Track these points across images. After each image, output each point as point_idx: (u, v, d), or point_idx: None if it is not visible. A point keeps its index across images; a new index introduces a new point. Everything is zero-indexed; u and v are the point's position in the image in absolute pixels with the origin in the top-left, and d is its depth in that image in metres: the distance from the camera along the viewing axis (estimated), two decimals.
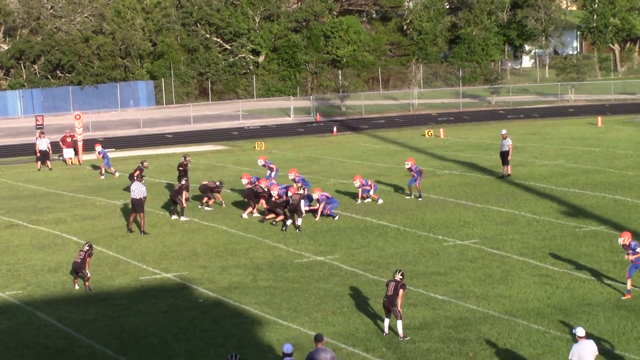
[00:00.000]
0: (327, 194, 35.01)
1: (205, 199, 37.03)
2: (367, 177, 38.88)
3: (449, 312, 23.30)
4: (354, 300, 24.47)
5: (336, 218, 34.10)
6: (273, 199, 34.07)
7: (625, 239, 24.52)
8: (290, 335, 21.87)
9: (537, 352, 20.40)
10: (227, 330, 22.65)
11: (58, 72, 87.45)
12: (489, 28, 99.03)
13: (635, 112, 69.33)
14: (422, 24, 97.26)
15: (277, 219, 33.64)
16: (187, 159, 40.80)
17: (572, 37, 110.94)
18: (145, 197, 33.63)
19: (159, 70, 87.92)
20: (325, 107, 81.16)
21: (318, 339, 18.06)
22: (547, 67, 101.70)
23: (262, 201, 35.14)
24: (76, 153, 53.26)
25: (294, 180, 36.07)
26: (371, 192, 37.41)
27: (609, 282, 25.39)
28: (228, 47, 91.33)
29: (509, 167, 42.13)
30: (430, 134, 59.80)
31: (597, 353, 17.97)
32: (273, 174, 39.15)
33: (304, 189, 34.13)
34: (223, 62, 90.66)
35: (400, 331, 21.47)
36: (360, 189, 37.23)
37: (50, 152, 51.72)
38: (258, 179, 36.64)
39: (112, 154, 53.42)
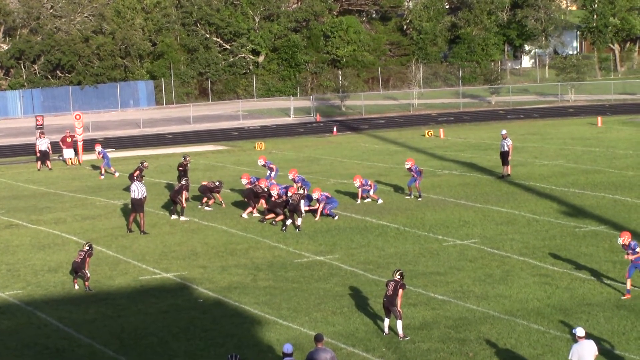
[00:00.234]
0: (327, 194, 35.01)
1: (205, 199, 37.03)
2: (367, 177, 38.88)
3: (448, 312, 23.30)
4: (354, 300, 24.48)
5: (336, 218, 34.10)
6: (273, 198, 34.08)
7: (625, 238, 24.52)
8: (290, 335, 21.87)
9: (537, 352, 20.40)
10: (227, 330, 22.65)
11: (58, 72, 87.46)
12: (488, 28, 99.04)
13: (635, 112, 69.33)
14: (422, 24, 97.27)
15: (277, 219, 33.64)
16: (187, 159, 40.81)
17: (572, 37, 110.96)
18: (145, 197, 33.63)
19: (159, 70, 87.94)
20: (325, 107, 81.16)
21: (318, 338, 18.06)
22: (547, 67, 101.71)
23: (262, 201, 35.14)
24: (76, 153, 53.25)
25: (293, 180, 36.07)
26: (371, 192, 37.41)
27: (608, 282, 25.39)
28: (228, 47, 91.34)
29: (509, 167, 42.12)
30: (430, 134, 59.80)
31: (597, 353, 17.97)
32: (273, 174, 39.16)
33: (303, 189, 34.14)
34: (223, 62, 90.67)
35: (400, 331, 21.47)
36: (360, 189, 37.23)
37: (50, 152, 51.72)
38: (258, 179, 36.64)
39: (112, 154, 53.42)
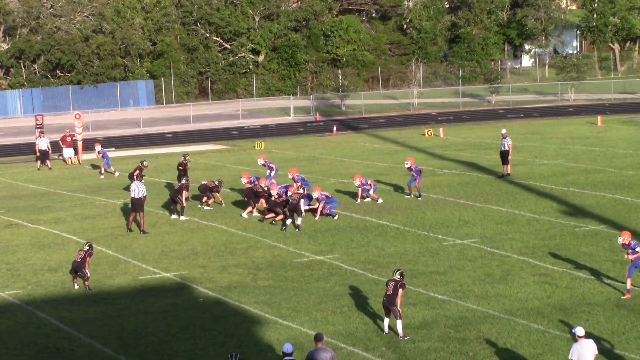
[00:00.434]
0: (327, 194, 35.01)
1: (205, 198, 37.03)
2: (366, 177, 38.87)
3: (448, 311, 23.30)
4: (354, 300, 24.48)
5: (336, 217, 34.10)
6: (273, 198, 34.07)
7: (624, 238, 24.52)
8: (290, 335, 21.87)
9: (537, 352, 20.40)
10: (227, 329, 22.65)
11: (58, 71, 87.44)
12: (488, 27, 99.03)
13: (635, 112, 69.32)
14: (421, 23, 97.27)
15: (277, 219, 33.64)
16: (187, 158, 40.81)
17: (572, 36, 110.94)
18: (145, 197, 33.63)
19: (159, 69, 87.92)
20: (325, 106, 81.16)
21: (318, 338, 18.06)
22: (546, 67, 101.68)
23: (262, 200, 35.13)
24: (76, 152, 53.25)
25: (293, 179, 36.06)
26: (371, 192, 37.41)
27: (608, 281, 25.39)
28: (228, 46, 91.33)
29: (509, 166, 42.12)
30: (430, 134, 59.80)
31: (596, 352, 17.97)
32: (273, 173, 39.16)
33: (303, 189, 34.13)
34: (223, 62, 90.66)
35: (400, 330, 21.47)
36: (360, 189, 37.23)
37: (50, 151, 51.72)
38: (258, 179, 36.64)
39: (112, 153, 53.42)
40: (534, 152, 49.25)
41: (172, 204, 36.10)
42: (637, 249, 24.15)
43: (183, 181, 35.72)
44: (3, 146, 62.82)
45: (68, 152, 52.88)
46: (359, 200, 37.24)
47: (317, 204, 34.44)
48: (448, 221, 33.18)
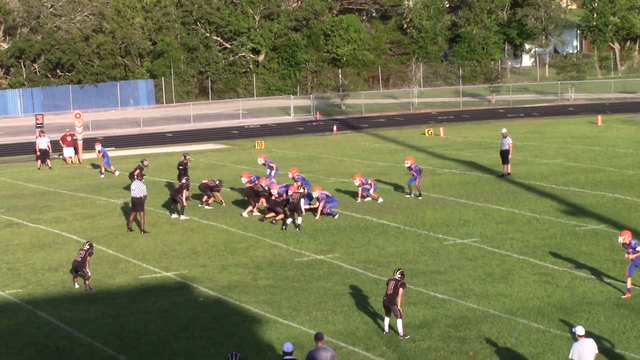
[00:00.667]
0: (327, 193, 35.00)
1: (205, 197, 37.03)
2: (367, 176, 38.85)
3: (449, 310, 23.30)
4: (354, 299, 24.47)
5: (336, 217, 34.09)
6: (273, 197, 34.06)
7: (625, 237, 24.51)
8: (291, 334, 21.86)
9: (537, 351, 20.40)
10: (227, 329, 22.64)
11: (58, 70, 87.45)
12: (489, 27, 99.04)
13: (635, 111, 69.32)
14: (422, 23, 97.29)
15: (277, 218, 33.63)
16: (187, 157, 40.81)
17: (572, 35, 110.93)
18: (145, 196, 33.63)
19: (159, 69, 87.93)
20: (326, 105, 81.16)
21: (318, 337, 18.06)
22: (547, 66, 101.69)
23: (263, 200, 35.13)
24: (76, 152, 53.25)
25: (293, 179, 36.06)
26: (371, 191, 37.40)
27: (609, 280, 25.38)
28: (228, 45, 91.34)
29: (509, 165, 42.12)
30: (430, 133, 59.79)
31: (597, 352, 17.97)
32: (273, 172, 39.16)
33: (303, 188, 34.12)
34: (223, 61, 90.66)
35: (400, 330, 21.47)
36: (360, 188, 37.22)
37: (50, 150, 51.73)
38: (258, 178, 36.64)
39: (112, 152, 53.42)
40: (534, 152, 49.25)
41: (172, 204, 36.10)
42: (637, 248, 24.14)
43: (183, 180, 35.72)
44: (3, 145, 62.83)
45: (68, 152, 52.89)
46: (359, 200, 37.24)
47: (318, 203, 34.43)
48: (448, 220, 33.17)
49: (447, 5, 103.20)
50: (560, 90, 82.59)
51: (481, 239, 30.32)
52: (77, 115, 54.90)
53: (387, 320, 21.78)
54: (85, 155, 53.31)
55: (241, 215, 35.23)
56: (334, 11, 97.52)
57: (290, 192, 33.60)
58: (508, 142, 42.03)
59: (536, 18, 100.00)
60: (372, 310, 23.53)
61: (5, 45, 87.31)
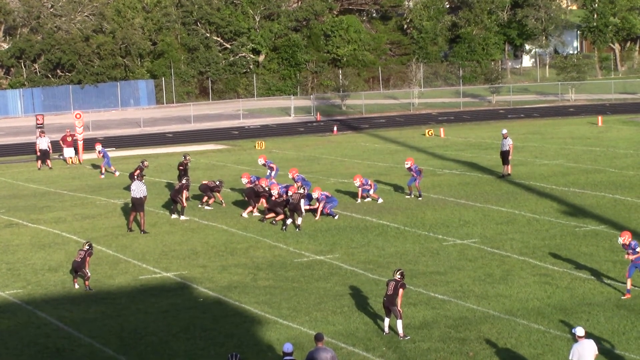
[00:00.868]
0: (327, 193, 35.00)
1: (205, 198, 37.03)
2: (367, 177, 38.87)
3: (449, 311, 23.30)
4: (354, 300, 24.47)
5: (336, 217, 34.09)
6: (273, 198, 34.06)
7: (625, 238, 24.51)
8: (291, 335, 21.86)
9: (537, 352, 20.40)
10: (227, 329, 22.64)
11: (58, 71, 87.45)
12: (489, 27, 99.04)
13: (635, 112, 69.32)
14: (422, 23, 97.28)
15: (277, 218, 33.63)
16: (187, 158, 40.81)
17: (573, 36, 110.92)
18: (145, 196, 33.63)
19: (159, 69, 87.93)
20: (326, 106, 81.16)
21: (318, 338, 18.06)
22: (547, 67, 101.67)
23: (263, 200, 35.13)
24: (76, 152, 53.26)
25: (293, 179, 36.06)
26: (371, 192, 37.40)
27: (609, 281, 25.38)
28: (228, 46, 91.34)
29: (509, 166, 42.12)
30: (430, 134, 59.79)
31: (597, 353, 17.97)
32: (273, 173, 39.16)
33: (304, 188, 34.13)
34: (223, 62, 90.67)
35: (400, 330, 21.47)
36: (360, 189, 37.22)
37: (51, 151, 51.72)
38: (258, 178, 36.64)
39: (113, 153, 53.43)
40: (535, 152, 49.25)
41: (172, 204, 36.10)
42: (637, 249, 24.14)
43: (183, 181, 35.72)
44: (3, 146, 62.83)
45: (68, 152, 52.89)
46: (359, 200, 37.24)
47: (317, 203, 34.43)
48: (448, 221, 33.17)
49: (447, 6, 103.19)
50: (561, 91, 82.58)
51: (481, 240, 30.32)
52: (78, 116, 54.91)
53: (387, 321, 21.78)
54: (85, 156, 53.31)
55: (241, 215, 35.23)
56: (334, 12, 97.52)
57: (290, 193, 33.60)
58: (508, 143, 42.03)
59: (536, 19, 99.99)
60: (372, 311, 23.52)
61: (5, 46, 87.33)
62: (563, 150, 49.64)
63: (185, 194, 35.28)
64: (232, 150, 56.58)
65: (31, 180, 46.83)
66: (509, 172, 41.96)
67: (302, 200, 33.10)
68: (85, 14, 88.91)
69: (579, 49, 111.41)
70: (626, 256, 24.45)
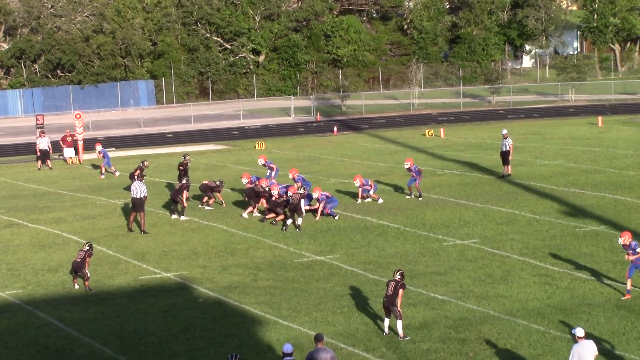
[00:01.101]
0: (327, 194, 35.00)
1: (206, 198, 37.04)
2: (367, 177, 38.87)
3: (449, 312, 23.29)
4: (354, 300, 24.47)
5: (336, 217, 34.09)
6: (273, 198, 34.06)
7: (625, 239, 24.50)
8: (290, 335, 21.86)
9: (537, 352, 20.40)
10: (227, 329, 22.64)
11: (58, 71, 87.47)
12: (489, 28, 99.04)
13: (635, 112, 69.31)
14: (422, 24, 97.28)
15: (277, 219, 33.63)
16: (187, 158, 40.81)
17: (573, 37, 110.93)
18: (145, 197, 33.63)
19: (160, 69, 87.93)
20: (326, 106, 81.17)
21: (318, 338, 18.06)
22: (547, 67, 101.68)
23: (263, 201, 35.13)
24: (76, 152, 53.25)
25: (294, 179, 36.06)
26: (371, 192, 37.40)
27: (609, 282, 25.38)
28: (228, 46, 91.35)
29: (510, 167, 42.12)
30: (430, 134, 59.79)
31: (597, 353, 17.96)
32: (273, 173, 39.15)
33: (304, 189, 34.13)
34: (223, 62, 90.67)
35: (400, 331, 21.46)
36: (360, 189, 37.22)
37: (51, 151, 51.72)
38: (258, 179, 36.64)
39: (113, 153, 53.43)
40: (535, 153, 49.25)
41: (172, 204, 36.10)
42: (637, 250, 24.13)
43: (184, 181, 35.72)
44: (4, 146, 62.83)
45: (69, 152, 52.88)
46: (359, 201, 37.24)
47: (318, 204, 34.43)
48: (448, 221, 33.17)
49: (448, 6, 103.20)
50: (561, 92, 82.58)
51: (481, 240, 30.32)
52: (78, 116, 54.91)
53: (387, 321, 21.78)
54: (85, 156, 53.31)
55: (241, 216, 35.23)
56: (334, 12, 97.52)
57: (290, 193, 33.59)
58: (508, 143, 42.03)
59: (536, 19, 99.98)
60: (372, 311, 23.52)
61: (5, 46, 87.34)
62: (563, 151, 49.64)
63: (185, 194, 35.28)
64: (232, 150, 56.58)
65: (31, 181, 46.83)
66: (509, 172, 41.96)
67: (302, 201, 33.10)
68: (86, 14, 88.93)
69: (579, 50, 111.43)
70: (626, 257, 24.45)
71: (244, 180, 36.72)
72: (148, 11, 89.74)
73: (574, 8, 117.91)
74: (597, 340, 19.80)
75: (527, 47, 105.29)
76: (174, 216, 35.46)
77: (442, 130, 60.41)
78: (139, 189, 33.46)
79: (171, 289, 26.37)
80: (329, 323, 22.72)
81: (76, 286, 26.60)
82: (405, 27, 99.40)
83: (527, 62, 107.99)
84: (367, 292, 25.06)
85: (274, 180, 37.27)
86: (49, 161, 51.27)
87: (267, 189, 35.03)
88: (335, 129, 64.61)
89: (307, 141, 59.81)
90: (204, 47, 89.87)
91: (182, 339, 22.07)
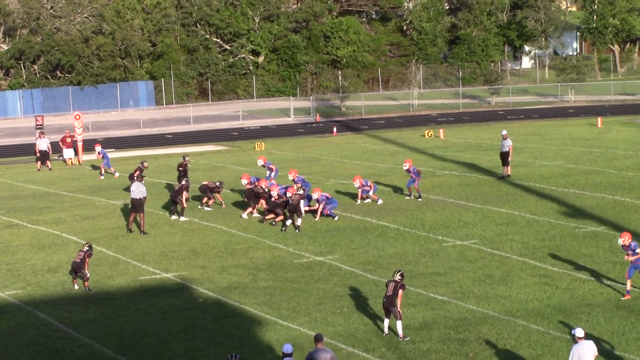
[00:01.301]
0: (327, 194, 35.00)
1: (205, 199, 37.04)
2: (366, 178, 38.87)
3: (448, 312, 23.30)
4: (354, 301, 24.47)
5: (336, 218, 34.10)
6: (273, 199, 34.07)
7: (625, 239, 24.50)
8: (290, 336, 21.86)
9: (537, 353, 20.40)
10: (227, 330, 22.64)
11: (58, 72, 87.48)
12: (488, 29, 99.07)
13: (635, 113, 69.33)
14: (421, 25, 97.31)
15: (277, 219, 33.64)
16: (187, 159, 40.82)
17: (572, 37, 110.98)
18: (145, 197, 33.63)
19: (159, 70, 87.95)
20: (325, 107, 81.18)
21: (318, 339, 18.06)
22: (546, 68, 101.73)
23: (262, 201, 35.13)
24: (76, 153, 53.25)
25: (293, 180, 36.07)
26: (371, 193, 37.40)
27: (608, 282, 25.39)
28: (228, 47, 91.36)
29: (509, 167, 42.13)
30: (430, 135, 59.80)
31: (596, 354, 17.96)
32: (273, 174, 39.15)
33: (303, 189, 34.14)
34: (223, 63, 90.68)
35: (400, 331, 21.46)
36: (360, 190, 37.22)
37: (50, 152, 51.72)
38: (258, 180, 36.64)
39: (112, 154, 53.42)
40: (534, 154, 49.26)
41: (172, 205, 36.10)
42: (637, 250, 24.14)
43: (183, 182, 35.71)
44: (3, 147, 62.83)
45: (68, 153, 52.88)
46: (358, 201, 37.24)
47: (317, 205, 34.43)
48: (448, 222, 33.17)
49: (447, 7, 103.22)
50: (560, 92, 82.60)
51: (481, 241, 30.32)
52: (77, 117, 54.90)
53: (386, 321, 21.78)
54: (85, 157, 53.31)
55: (241, 216, 35.23)
56: (334, 13, 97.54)
57: (289, 194, 33.60)
58: (508, 144, 42.04)
59: (536, 20, 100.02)
60: (371, 311, 23.53)
61: (5, 47, 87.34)
62: (563, 152, 49.65)
63: (185, 195, 35.28)
64: (232, 151, 56.59)
65: (31, 181, 46.83)
66: (509, 173, 41.97)
67: (302, 201, 33.10)
68: (85, 15, 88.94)
69: (578, 50, 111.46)
70: (626, 257, 24.45)
71: (244, 181, 36.72)
72: (147, 12, 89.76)
73: (574, 9, 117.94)
74: (597, 341, 19.81)
75: (527, 48, 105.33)
76: (174, 217, 35.46)
77: (441, 131, 60.41)
78: (138, 190, 33.46)
79: (171, 289, 26.37)
80: (328, 323, 22.72)
81: (76, 287, 26.60)
82: (405, 28, 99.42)
83: (526, 63, 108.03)
84: (367, 292, 25.06)
85: (273, 181, 37.26)
86: (48, 162, 51.26)
87: (266, 190, 35.04)
88: (334, 129, 64.62)
89: (307, 142, 59.82)
90: (204, 48, 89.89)
91: (182, 340, 22.07)
